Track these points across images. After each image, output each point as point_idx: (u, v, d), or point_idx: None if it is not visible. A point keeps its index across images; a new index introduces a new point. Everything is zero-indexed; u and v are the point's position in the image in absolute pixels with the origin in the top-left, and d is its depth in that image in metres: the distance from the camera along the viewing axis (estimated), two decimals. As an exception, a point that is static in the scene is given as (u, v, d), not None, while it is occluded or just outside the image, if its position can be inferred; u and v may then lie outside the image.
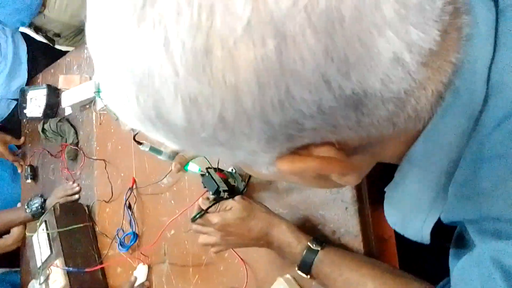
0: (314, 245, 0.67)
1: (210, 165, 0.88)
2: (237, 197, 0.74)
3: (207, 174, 0.86)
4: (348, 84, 0.23)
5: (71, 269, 1.10)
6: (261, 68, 0.21)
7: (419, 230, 0.36)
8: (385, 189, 0.40)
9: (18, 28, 1.50)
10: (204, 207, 0.74)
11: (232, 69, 0.21)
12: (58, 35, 1.56)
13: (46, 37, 1.59)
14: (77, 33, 1.62)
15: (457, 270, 0.33)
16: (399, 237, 0.76)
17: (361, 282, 0.61)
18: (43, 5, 1.41)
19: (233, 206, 0.72)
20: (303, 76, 0.22)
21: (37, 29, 1.54)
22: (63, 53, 1.64)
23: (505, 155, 0.28)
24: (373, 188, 0.75)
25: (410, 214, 0.36)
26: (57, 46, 1.74)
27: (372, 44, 0.22)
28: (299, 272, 0.69)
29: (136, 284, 1.08)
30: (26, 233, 1.40)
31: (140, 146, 0.76)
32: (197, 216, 0.74)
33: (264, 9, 0.20)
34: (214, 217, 0.72)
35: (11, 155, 1.68)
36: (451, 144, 0.29)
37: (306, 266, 0.67)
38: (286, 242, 0.69)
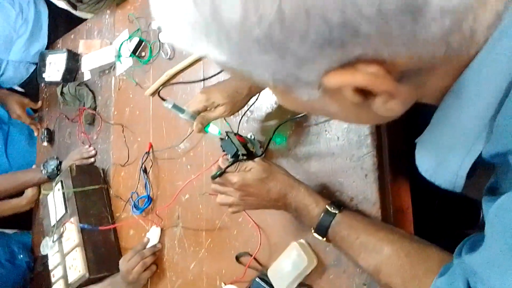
0: (332, 208, 0.67)
1: (231, 129, 0.88)
2: (257, 159, 0.74)
3: (226, 137, 0.86)
4: None
5: (85, 226, 1.11)
6: None
7: (454, 172, 0.35)
8: (417, 140, 0.40)
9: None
10: (224, 167, 0.74)
11: None
12: (80, 1, 1.56)
13: (68, 2, 1.58)
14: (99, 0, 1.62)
15: (496, 207, 0.32)
16: (418, 215, 0.77)
17: (377, 246, 0.60)
18: None
19: (253, 167, 0.73)
20: None
21: None
22: (83, 20, 1.65)
23: None
24: (395, 158, 0.75)
25: (447, 155, 0.35)
26: (77, 13, 1.74)
27: None
28: (315, 234, 0.69)
29: (148, 245, 1.10)
30: (42, 191, 1.43)
31: (164, 103, 0.76)
32: (217, 174, 0.74)
33: None
34: (234, 177, 0.72)
35: (28, 118, 1.70)
36: (504, 71, 0.28)
37: (322, 229, 0.67)
38: (303, 205, 0.69)
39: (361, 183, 0.74)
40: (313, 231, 0.69)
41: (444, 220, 1.07)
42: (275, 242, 0.85)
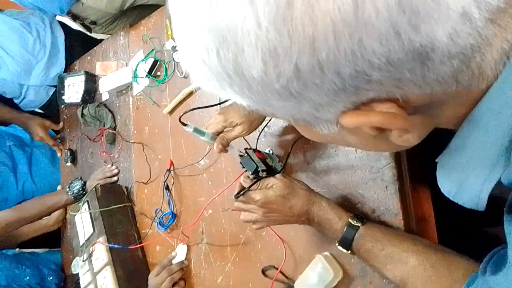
0: (355, 221, 0.68)
1: (249, 145, 0.90)
2: (278, 175, 0.76)
3: (245, 154, 0.88)
4: (417, 37, 0.24)
5: (115, 246, 1.15)
6: (338, 19, 0.23)
7: (476, 195, 0.36)
8: (437, 159, 0.41)
9: (57, 15, 1.54)
10: (246, 185, 0.76)
11: (311, 20, 0.23)
12: (94, 23, 1.61)
13: (82, 24, 1.64)
14: (113, 20, 1.66)
15: None
16: (439, 218, 0.77)
17: (403, 257, 0.61)
18: None
19: (274, 183, 0.74)
20: (376, 27, 0.23)
21: (75, 17, 1.59)
22: (99, 41, 1.69)
23: None
24: (414, 167, 0.76)
25: (467, 178, 0.36)
26: (93, 34, 1.79)
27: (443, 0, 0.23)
28: (340, 247, 0.70)
29: (175, 261, 1.12)
30: (70, 212, 1.47)
31: (185, 127, 0.78)
32: (240, 193, 0.76)
33: None
34: (256, 194, 0.74)
35: (51, 140, 1.75)
36: None
37: (347, 242, 0.68)
38: (326, 219, 0.71)
39: (382, 195, 0.75)
40: (337, 244, 0.71)
41: (465, 220, 1.06)
42: (300, 255, 0.87)
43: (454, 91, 0.29)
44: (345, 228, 0.68)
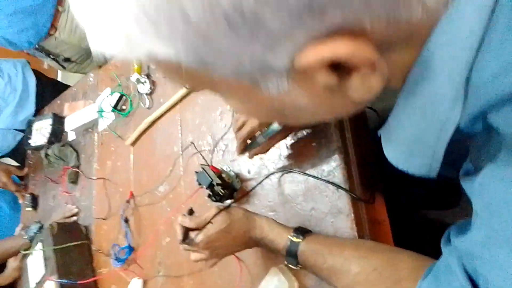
0: (295, 238, 0.66)
1: (206, 162, 0.89)
2: (212, 209, 0.73)
3: (201, 169, 0.87)
4: None
5: (64, 280, 1.07)
6: None
7: (429, 156, 0.33)
8: (380, 130, 0.39)
9: (26, 48, 1.56)
10: (186, 225, 0.74)
11: None
12: (68, 60, 1.63)
13: (56, 61, 1.65)
14: (87, 57, 1.69)
15: (482, 181, 0.31)
16: (393, 221, 0.75)
17: (345, 265, 0.58)
18: (54, 27, 1.49)
19: (211, 217, 0.71)
20: None
21: (48, 53, 1.61)
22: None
23: None
24: (363, 168, 0.76)
25: (419, 138, 0.34)
26: (65, 73, 1.80)
27: None
28: (289, 265, 0.68)
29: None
30: (21, 252, 1.37)
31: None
32: (182, 238, 0.74)
33: None
34: (198, 237, 0.71)
35: (13, 185, 1.70)
36: (472, 27, 0.27)
37: (292, 259, 0.66)
38: (269, 240, 0.69)
39: (333, 197, 0.73)
40: (285, 262, 0.68)
41: (423, 205, 1.05)
42: (257, 272, 0.82)
43: (419, 18, 0.26)
44: (287, 246, 0.66)
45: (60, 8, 1.46)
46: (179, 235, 0.74)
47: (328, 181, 0.74)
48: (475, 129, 0.31)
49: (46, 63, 1.74)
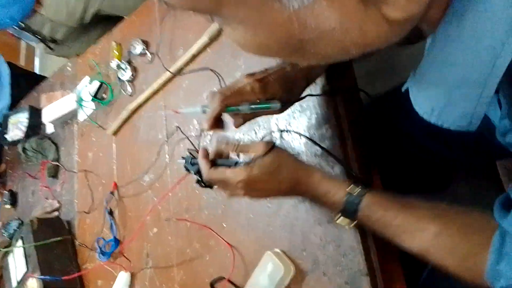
0: (356, 190, 0.58)
1: (194, 146, 0.86)
2: (260, 143, 0.63)
3: (188, 154, 0.83)
4: None
5: (47, 277, 1.01)
6: None
7: (474, 99, 0.30)
8: (407, 83, 0.35)
9: (9, 26, 1.45)
10: (220, 149, 0.63)
11: None
12: (55, 41, 1.55)
13: (43, 42, 1.57)
14: (76, 37, 1.60)
15: None
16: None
17: (421, 224, 0.52)
18: (38, 2, 1.39)
19: (258, 156, 0.61)
20: None
21: (34, 33, 1.52)
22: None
23: None
24: (360, 152, 0.73)
25: (465, 74, 0.30)
26: (45, 62, 1.72)
27: None
28: (341, 220, 0.60)
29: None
30: (1, 250, 1.31)
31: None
32: (201, 179, 0.65)
33: None
34: (236, 175, 0.60)
35: None
36: None
37: (350, 214, 0.58)
38: (322, 191, 0.60)
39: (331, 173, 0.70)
40: (339, 216, 0.60)
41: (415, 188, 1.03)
42: (250, 259, 0.79)
43: None
44: (345, 198, 0.58)
45: (46, -17, 1.38)
46: (204, 165, 0.63)
47: (322, 148, 0.71)
48: None
49: (25, 47, 1.64)
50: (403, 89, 0.36)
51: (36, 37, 1.51)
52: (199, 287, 0.86)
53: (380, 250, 0.67)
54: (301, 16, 0.26)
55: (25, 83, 1.75)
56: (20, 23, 1.44)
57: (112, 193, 1.12)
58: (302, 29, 0.27)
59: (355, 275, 0.65)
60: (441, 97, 0.32)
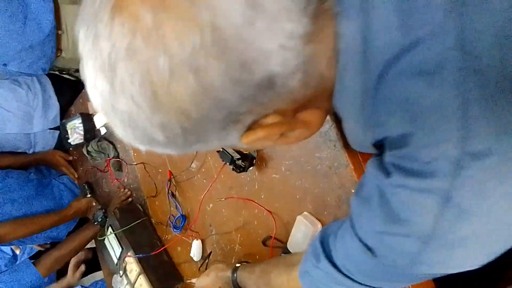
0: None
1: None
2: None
3: (221, 149, 1.02)
4: (255, 76, 0.32)
5: (140, 255, 1.31)
6: (193, 92, 0.32)
7: (368, 146, 0.44)
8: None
9: (43, 74, 1.71)
10: None
11: (175, 100, 0.32)
12: (78, 70, 1.76)
13: (70, 75, 1.81)
14: None
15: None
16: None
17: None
18: (59, 49, 1.61)
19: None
20: (220, 86, 0.32)
21: (61, 71, 1.76)
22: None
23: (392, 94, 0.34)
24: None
25: (358, 137, 0.45)
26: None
27: (261, 45, 0.30)
28: None
29: (195, 258, 1.28)
30: (98, 238, 1.64)
31: None
32: None
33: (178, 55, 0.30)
34: None
35: (70, 166, 1.96)
36: (356, 90, 0.37)
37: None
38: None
39: (332, 153, 0.88)
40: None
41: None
42: (287, 220, 1.01)
43: (313, 91, 0.36)
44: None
45: (59, 32, 1.56)
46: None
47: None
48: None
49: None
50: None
51: (62, 72, 1.71)
52: (254, 245, 1.10)
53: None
54: (247, 146, 0.41)
55: (66, 87, 1.97)
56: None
57: (170, 180, 1.37)
58: (252, 147, 0.46)
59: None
60: (355, 141, 0.49)
